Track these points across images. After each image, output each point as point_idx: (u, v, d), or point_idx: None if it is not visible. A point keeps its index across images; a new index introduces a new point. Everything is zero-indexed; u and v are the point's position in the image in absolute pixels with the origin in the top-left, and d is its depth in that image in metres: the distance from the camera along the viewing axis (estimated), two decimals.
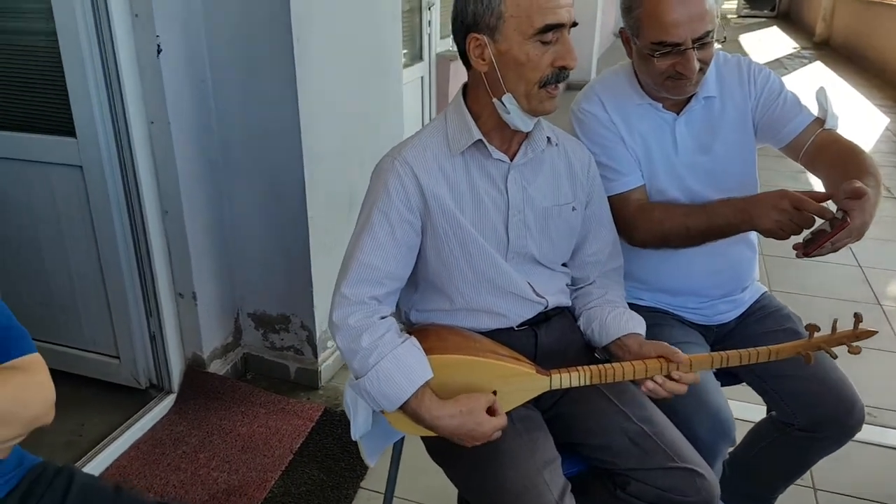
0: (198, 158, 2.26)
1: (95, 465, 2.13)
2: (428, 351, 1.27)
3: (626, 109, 1.56)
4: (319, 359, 2.52)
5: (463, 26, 1.25)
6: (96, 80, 2.05)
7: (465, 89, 1.36)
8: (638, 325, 1.40)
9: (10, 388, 1.09)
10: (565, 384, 1.29)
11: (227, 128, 2.29)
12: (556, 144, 1.41)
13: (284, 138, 2.21)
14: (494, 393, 1.27)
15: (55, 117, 2.16)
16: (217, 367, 2.52)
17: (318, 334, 2.48)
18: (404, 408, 1.24)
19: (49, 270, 2.40)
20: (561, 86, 1.26)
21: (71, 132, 2.14)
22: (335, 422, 2.35)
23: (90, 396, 2.46)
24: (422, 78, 4.91)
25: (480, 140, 1.31)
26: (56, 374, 1.14)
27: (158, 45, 2.03)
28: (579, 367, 1.29)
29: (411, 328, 1.45)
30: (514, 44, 1.20)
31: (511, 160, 1.35)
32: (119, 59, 2.01)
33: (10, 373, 1.11)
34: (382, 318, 1.31)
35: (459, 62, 1.32)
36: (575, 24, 1.23)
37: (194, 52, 2.17)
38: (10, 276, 2.42)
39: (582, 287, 1.52)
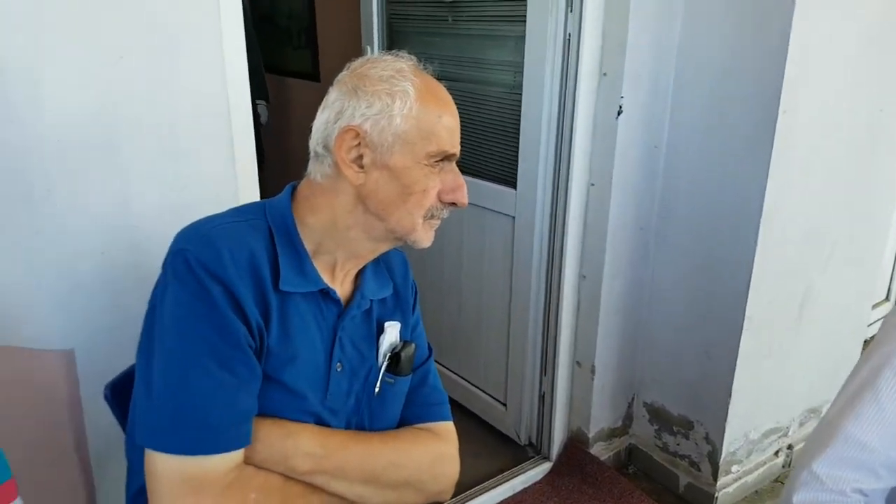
0: (629, 226, 2.06)
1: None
2: None
3: None
4: (719, 483, 2.12)
5: None
6: (548, 136, 1.99)
7: None
8: None
9: (429, 455, 1.07)
10: None
11: (670, 199, 2.04)
12: None
13: (739, 219, 1.86)
14: None
15: (502, 167, 2.18)
16: (599, 450, 2.31)
17: (723, 453, 2.08)
18: None
19: (464, 302, 2.48)
20: None
21: (513, 183, 2.14)
22: None
23: (471, 433, 2.48)
24: None
25: None
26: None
27: (620, 107, 1.87)
28: None
29: None
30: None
31: None
32: (576, 117, 1.91)
33: (431, 437, 1.09)
34: None
35: None
36: None
37: (654, 115, 1.96)
38: (432, 299, 2.57)
39: None
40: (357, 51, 2.53)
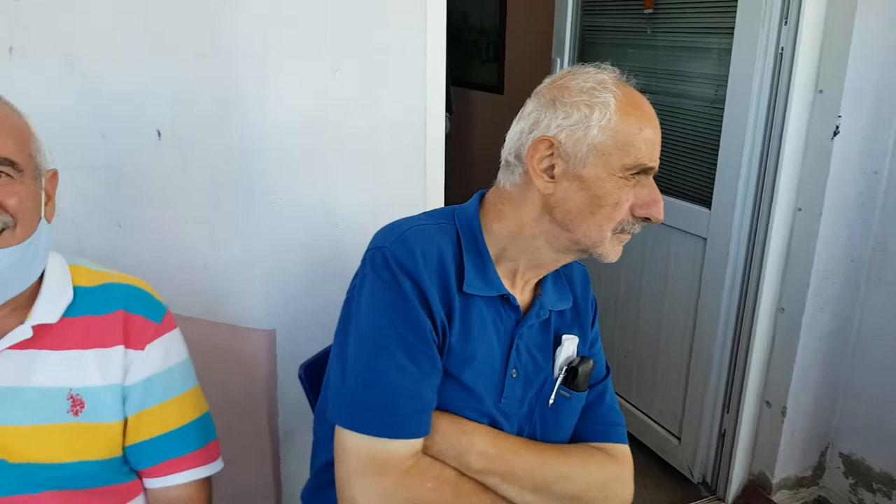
0: (839, 259, 1.85)
1: None
2: None
3: None
4: None
5: None
6: (752, 154, 1.85)
7: None
8: None
9: (602, 474, 1.06)
10: None
11: (889, 231, 1.80)
12: None
13: None
14: None
15: (696, 185, 2.07)
16: (783, 498, 2.10)
17: None
18: None
19: (641, 326, 2.38)
20: None
21: (707, 203, 2.02)
22: None
23: (637, 461, 2.36)
24: None
25: None
26: None
27: (837, 127, 1.69)
28: None
29: None
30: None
31: None
32: (786, 136, 1.76)
33: (605, 457, 1.08)
34: None
35: None
36: None
37: (876, 137, 1.75)
38: (606, 318, 2.50)
39: None
40: (544, 64, 2.55)
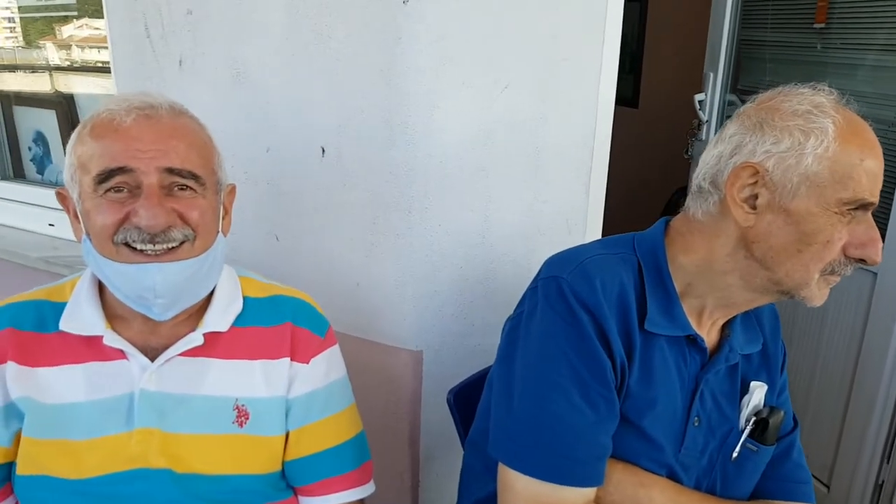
0: None
1: None
2: None
3: None
4: None
5: None
6: None
7: None
8: None
9: None
10: None
11: None
12: None
13: None
14: None
15: None
16: None
17: None
18: None
19: (793, 364, 2.17)
20: None
21: (881, 231, 1.83)
22: None
23: None
24: None
25: None
26: None
27: None
28: None
29: None
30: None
31: None
32: None
33: None
34: None
35: None
36: None
37: None
38: None
39: None
40: (685, 78, 2.42)
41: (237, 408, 1.04)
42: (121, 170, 0.90)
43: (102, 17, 1.65)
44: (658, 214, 1.66)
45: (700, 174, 0.92)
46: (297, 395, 1.08)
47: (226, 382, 1.04)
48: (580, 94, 1.32)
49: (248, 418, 1.05)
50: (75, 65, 2.11)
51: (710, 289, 0.93)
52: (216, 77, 1.45)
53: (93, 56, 2.08)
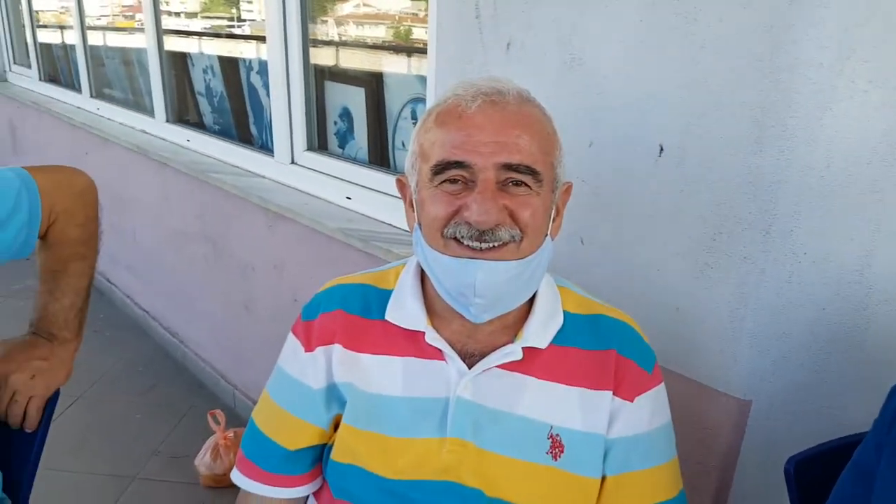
0: None
1: None
2: None
3: None
4: None
5: None
6: None
7: None
8: None
9: None
10: None
11: None
12: None
13: None
14: None
15: None
16: None
17: None
18: None
19: None
20: None
21: None
22: None
23: None
24: None
25: None
26: None
27: None
28: None
29: None
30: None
31: None
32: None
33: None
34: None
35: None
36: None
37: None
38: None
39: None
40: None
41: (552, 437, 0.93)
42: (458, 164, 0.83)
43: None
44: None
45: None
46: (617, 435, 0.94)
47: (542, 406, 0.93)
48: None
49: (562, 451, 0.93)
50: (362, 41, 2.17)
51: None
52: (545, 62, 1.33)
53: (367, 32, 2.15)
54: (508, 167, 0.83)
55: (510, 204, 0.84)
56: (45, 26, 4.41)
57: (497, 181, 0.83)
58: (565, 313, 0.97)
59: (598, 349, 0.95)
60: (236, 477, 1.04)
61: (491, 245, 0.84)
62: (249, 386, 2.65)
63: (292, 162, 2.31)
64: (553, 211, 0.92)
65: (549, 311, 0.96)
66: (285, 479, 1.01)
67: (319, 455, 1.01)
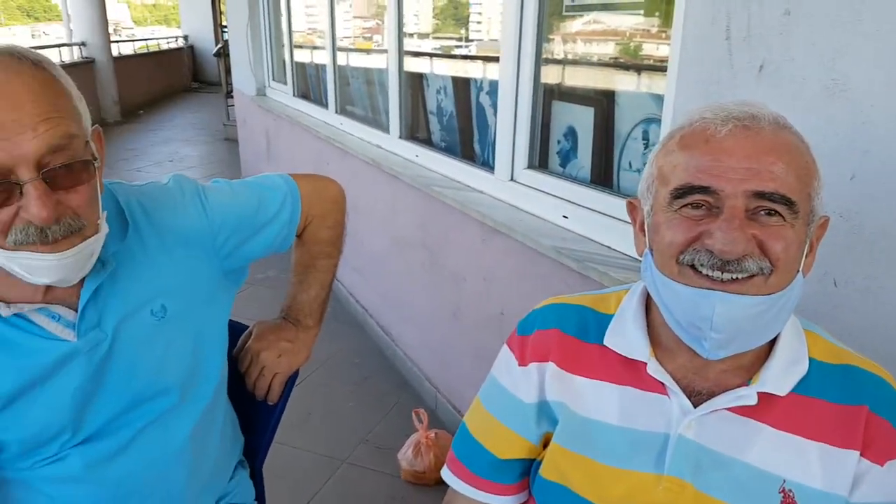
0: None
1: None
2: None
3: None
4: None
5: None
6: None
7: None
8: None
9: None
10: None
11: None
12: None
13: None
14: None
15: None
16: None
17: None
18: None
19: None
20: None
21: None
22: None
23: None
24: None
25: None
26: None
27: None
28: None
29: None
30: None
31: None
32: None
33: None
34: None
35: None
36: None
37: None
38: None
39: None
40: None
41: (783, 491, 0.85)
42: (703, 189, 0.79)
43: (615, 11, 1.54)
44: None
45: None
46: (863, 500, 0.84)
47: (775, 457, 0.86)
48: None
49: None
50: (585, 59, 2.13)
51: None
52: (803, 87, 1.22)
53: (596, 49, 2.12)
54: (761, 195, 0.78)
55: (760, 234, 0.79)
56: (299, 46, 4.99)
57: (746, 209, 0.79)
58: (811, 360, 0.89)
59: (847, 403, 0.86)
60: (447, 475, 1.08)
61: (735, 276, 0.79)
62: (451, 391, 2.75)
63: (511, 179, 2.36)
64: (807, 246, 0.84)
65: (793, 357, 0.89)
66: (492, 486, 1.04)
67: (527, 470, 1.02)
